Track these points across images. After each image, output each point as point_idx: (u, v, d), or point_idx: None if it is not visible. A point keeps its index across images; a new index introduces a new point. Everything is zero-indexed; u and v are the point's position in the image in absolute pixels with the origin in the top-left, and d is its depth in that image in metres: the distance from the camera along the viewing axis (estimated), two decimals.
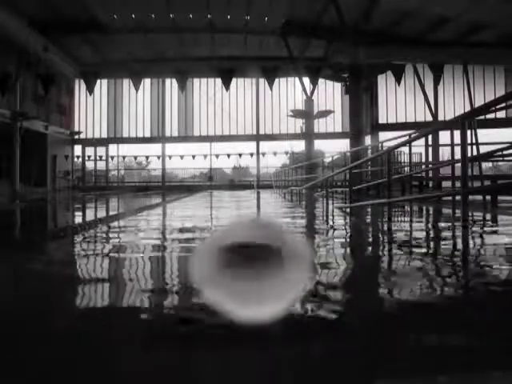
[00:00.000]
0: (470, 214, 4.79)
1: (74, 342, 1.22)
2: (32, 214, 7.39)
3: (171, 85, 23.58)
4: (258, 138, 23.53)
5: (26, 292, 1.84)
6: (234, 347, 1.14)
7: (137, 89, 22.58)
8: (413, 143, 7.58)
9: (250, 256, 0.62)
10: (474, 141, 7.40)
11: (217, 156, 23.69)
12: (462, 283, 1.98)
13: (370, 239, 3.68)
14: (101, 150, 23.87)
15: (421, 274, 2.08)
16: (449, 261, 2.50)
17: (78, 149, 23.84)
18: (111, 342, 1.23)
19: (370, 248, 3.26)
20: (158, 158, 23.86)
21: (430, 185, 9.87)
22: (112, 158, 24.22)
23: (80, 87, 23.48)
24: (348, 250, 3.11)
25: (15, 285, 2.03)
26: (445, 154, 15.84)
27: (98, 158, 23.92)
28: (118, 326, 1.39)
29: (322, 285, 1.81)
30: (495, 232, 3.87)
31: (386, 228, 4.38)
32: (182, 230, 4.09)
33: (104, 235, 3.79)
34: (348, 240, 3.53)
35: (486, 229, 4.10)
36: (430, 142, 16.03)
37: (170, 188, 20.39)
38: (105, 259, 2.57)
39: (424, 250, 2.93)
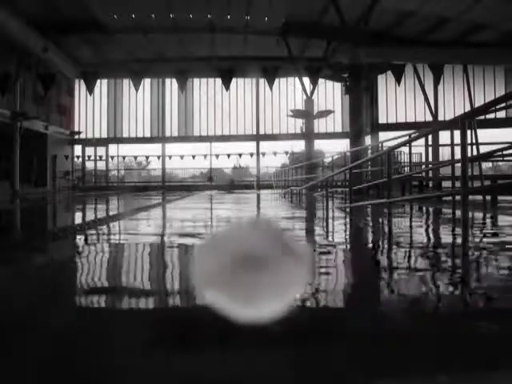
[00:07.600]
0: (469, 214, 4.78)
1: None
2: (32, 215, 7.39)
3: (171, 85, 23.55)
4: (257, 137, 23.50)
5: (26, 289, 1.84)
6: (234, 346, 1.14)
7: (137, 89, 22.55)
8: (413, 143, 7.59)
9: (249, 257, 0.62)
10: (474, 141, 7.39)
11: (217, 156, 23.66)
12: (461, 286, 1.98)
13: (370, 241, 3.67)
14: (101, 150, 23.83)
15: (420, 274, 2.07)
16: (448, 262, 2.49)
17: (78, 149, 23.81)
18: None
19: (369, 249, 3.26)
20: (158, 157, 23.83)
21: (430, 185, 9.86)
22: (112, 157, 24.20)
23: (80, 87, 23.43)
24: (347, 251, 3.11)
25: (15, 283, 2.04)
26: (445, 154, 15.83)
27: (97, 157, 23.88)
28: (116, 320, 1.39)
29: (321, 286, 1.81)
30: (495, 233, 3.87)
31: (386, 229, 4.38)
32: (173, 233, 4.09)
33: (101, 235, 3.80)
34: (347, 241, 3.53)
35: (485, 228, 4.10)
36: (430, 142, 16.03)
37: (170, 188, 20.37)
38: (98, 257, 2.57)
39: (423, 250, 2.92)
